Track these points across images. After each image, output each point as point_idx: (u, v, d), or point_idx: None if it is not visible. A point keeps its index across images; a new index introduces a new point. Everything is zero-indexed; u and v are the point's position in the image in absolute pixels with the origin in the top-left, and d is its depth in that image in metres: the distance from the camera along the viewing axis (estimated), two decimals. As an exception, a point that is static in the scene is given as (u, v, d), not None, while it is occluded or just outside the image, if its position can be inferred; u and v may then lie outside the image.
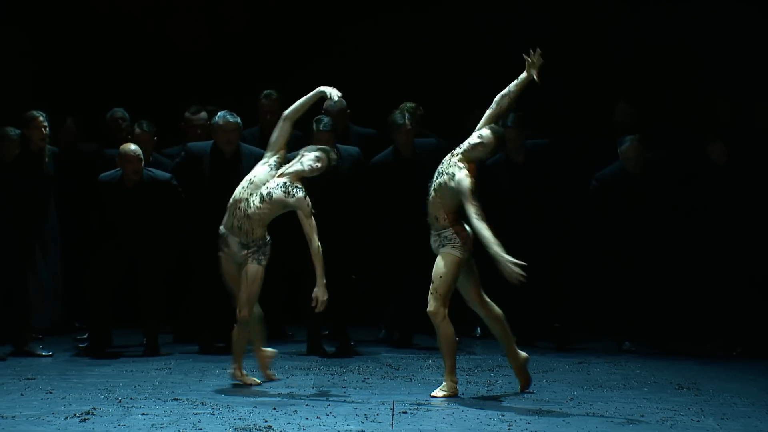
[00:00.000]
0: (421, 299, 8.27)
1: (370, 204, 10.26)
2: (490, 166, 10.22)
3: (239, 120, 10.02)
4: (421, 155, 10.21)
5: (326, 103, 10.42)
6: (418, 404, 7.71)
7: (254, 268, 8.39)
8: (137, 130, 10.54)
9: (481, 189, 8.86)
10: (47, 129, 10.05)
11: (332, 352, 9.92)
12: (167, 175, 10.07)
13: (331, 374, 8.97)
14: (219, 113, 10.04)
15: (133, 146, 9.92)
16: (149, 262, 10.02)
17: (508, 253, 7.66)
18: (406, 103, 11.00)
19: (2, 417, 7.23)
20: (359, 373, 8.99)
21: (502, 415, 7.37)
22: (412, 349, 10.19)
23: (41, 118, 10.00)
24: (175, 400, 7.80)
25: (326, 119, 10.01)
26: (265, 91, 10.94)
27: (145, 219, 9.94)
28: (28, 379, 8.62)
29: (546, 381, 8.70)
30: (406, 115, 10.25)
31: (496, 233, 7.78)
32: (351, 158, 10.08)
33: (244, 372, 8.53)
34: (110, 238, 9.98)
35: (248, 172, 8.90)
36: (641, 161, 10.23)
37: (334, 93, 8.48)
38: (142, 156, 9.91)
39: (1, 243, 9.89)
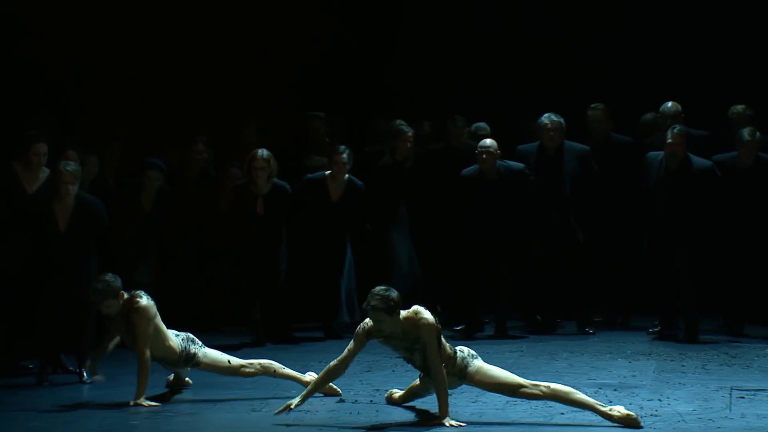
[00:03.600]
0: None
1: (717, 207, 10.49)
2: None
3: (562, 120, 10.68)
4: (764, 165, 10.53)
5: (662, 107, 10.96)
6: (756, 390, 7.94)
7: None
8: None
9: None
10: (412, 142, 11.04)
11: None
12: (521, 165, 10.70)
13: (672, 360, 9.33)
14: (545, 114, 10.73)
15: (488, 141, 10.62)
16: (508, 251, 10.65)
17: None
18: (737, 105, 11.22)
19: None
20: (698, 359, 9.31)
21: None
22: (746, 338, 10.45)
23: (409, 133, 10.94)
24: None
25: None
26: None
27: (504, 208, 10.56)
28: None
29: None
30: (756, 134, 10.45)
31: None
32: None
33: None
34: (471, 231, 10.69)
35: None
36: None
37: None
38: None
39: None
